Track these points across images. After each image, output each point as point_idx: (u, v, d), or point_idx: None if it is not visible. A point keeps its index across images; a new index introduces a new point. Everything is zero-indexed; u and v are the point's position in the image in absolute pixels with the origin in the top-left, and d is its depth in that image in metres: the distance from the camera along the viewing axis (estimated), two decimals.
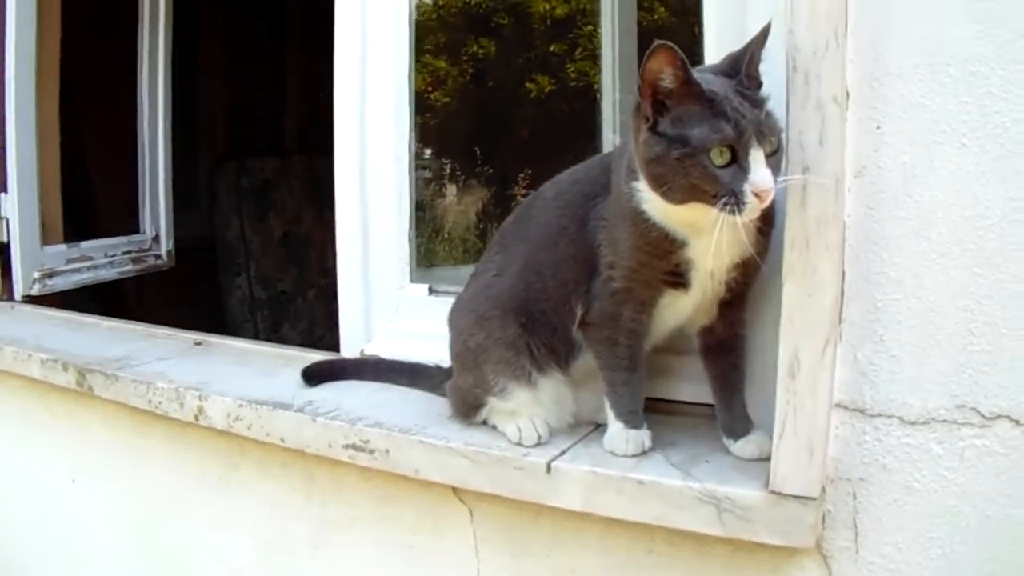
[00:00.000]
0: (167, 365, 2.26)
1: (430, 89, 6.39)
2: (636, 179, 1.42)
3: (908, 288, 1.32)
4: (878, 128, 1.33)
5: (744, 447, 1.53)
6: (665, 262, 1.47)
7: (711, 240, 1.32)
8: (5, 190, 3.09)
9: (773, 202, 1.34)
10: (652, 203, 1.42)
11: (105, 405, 2.28)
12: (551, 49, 5.80)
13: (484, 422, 1.74)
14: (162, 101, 3.79)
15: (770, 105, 1.36)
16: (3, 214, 3.09)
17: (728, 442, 1.56)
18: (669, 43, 1.28)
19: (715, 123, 1.30)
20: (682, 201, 1.34)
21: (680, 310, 1.55)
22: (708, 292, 1.50)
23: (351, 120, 2.15)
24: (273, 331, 5.35)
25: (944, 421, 1.31)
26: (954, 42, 1.27)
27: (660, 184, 1.35)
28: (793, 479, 1.35)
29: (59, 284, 3.25)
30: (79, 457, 2.49)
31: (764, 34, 1.36)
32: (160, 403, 2.08)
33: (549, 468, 1.54)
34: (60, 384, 2.35)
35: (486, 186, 6.27)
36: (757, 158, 1.29)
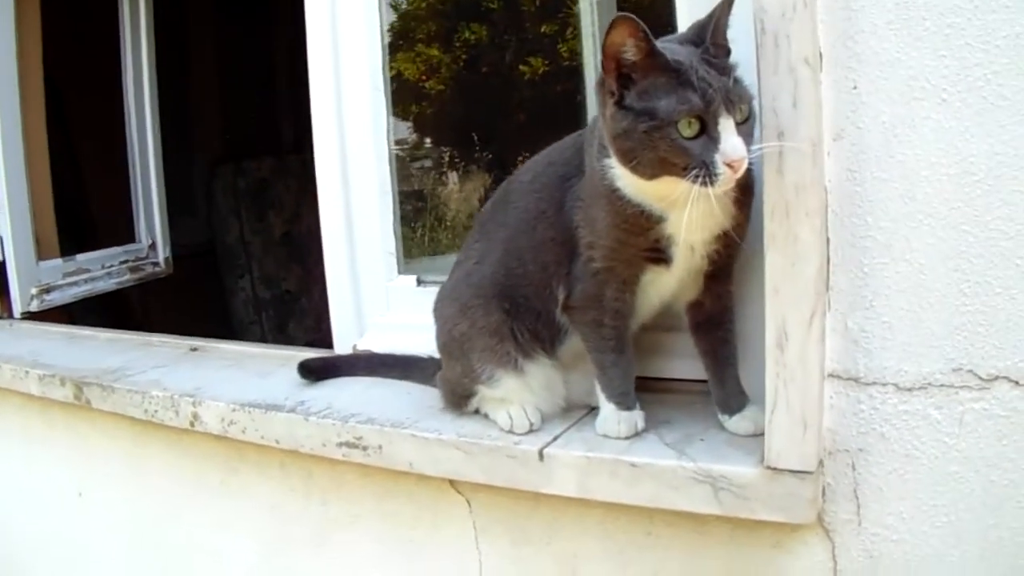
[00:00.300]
0: (162, 373, 2.25)
1: (424, 78, 6.36)
2: (608, 156, 1.40)
3: (896, 251, 1.29)
4: (855, 88, 1.29)
5: (739, 423, 1.51)
6: (643, 239, 1.44)
7: (688, 214, 1.29)
8: None
9: (750, 172, 1.33)
10: (625, 179, 1.39)
11: (104, 417, 2.27)
12: (542, 30, 5.76)
13: (476, 411, 1.72)
14: (148, 107, 3.76)
15: (739, 72, 1.33)
16: None
17: (723, 418, 1.54)
18: (629, 15, 1.26)
19: (682, 94, 1.27)
20: (652, 176, 1.32)
21: (664, 286, 1.52)
22: (691, 266, 1.48)
23: (328, 119, 2.13)
24: (280, 330, 5.35)
25: (941, 386, 1.29)
26: None
27: (629, 159, 1.33)
28: (788, 454, 1.33)
29: (57, 299, 3.23)
30: (81, 470, 2.48)
31: (728, 0, 1.33)
32: (156, 411, 2.07)
33: (541, 455, 1.52)
34: (58, 399, 2.34)
35: (486, 171, 6.25)
36: (727, 127, 1.27)
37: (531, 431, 1.61)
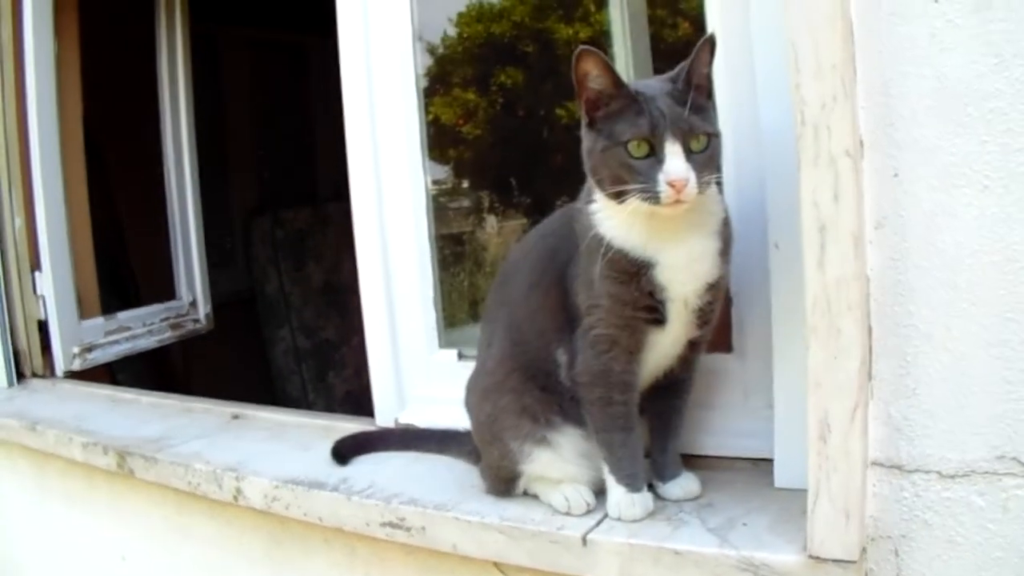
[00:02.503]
0: (204, 444, 2.26)
1: (461, 122, 6.38)
2: (591, 200, 1.53)
3: (938, 340, 1.28)
4: (896, 175, 1.29)
5: (671, 489, 1.60)
6: (636, 290, 1.48)
7: (676, 255, 1.45)
8: (40, 268, 3.11)
9: (729, 225, 1.51)
10: (605, 222, 1.50)
11: (148, 485, 2.28)
12: None
13: (524, 492, 1.72)
14: (188, 165, 3.81)
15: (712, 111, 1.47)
16: (39, 292, 3.12)
17: (657, 483, 1.62)
18: (591, 47, 1.41)
19: (634, 119, 1.41)
20: (612, 190, 1.44)
21: (662, 351, 1.56)
22: (684, 324, 1.53)
23: (368, 198, 2.14)
24: (319, 380, 5.36)
25: (984, 473, 1.27)
26: (969, 78, 1.23)
27: (595, 175, 1.48)
28: (831, 543, 1.31)
29: (99, 357, 3.27)
30: (125, 534, 2.50)
31: (707, 45, 1.44)
32: (199, 484, 2.08)
33: (585, 541, 1.51)
34: (101, 467, 2.36)
35: (524, 215, 6.25)
36: (673, 151, 1.39)
37: (588, 511, 1.61)
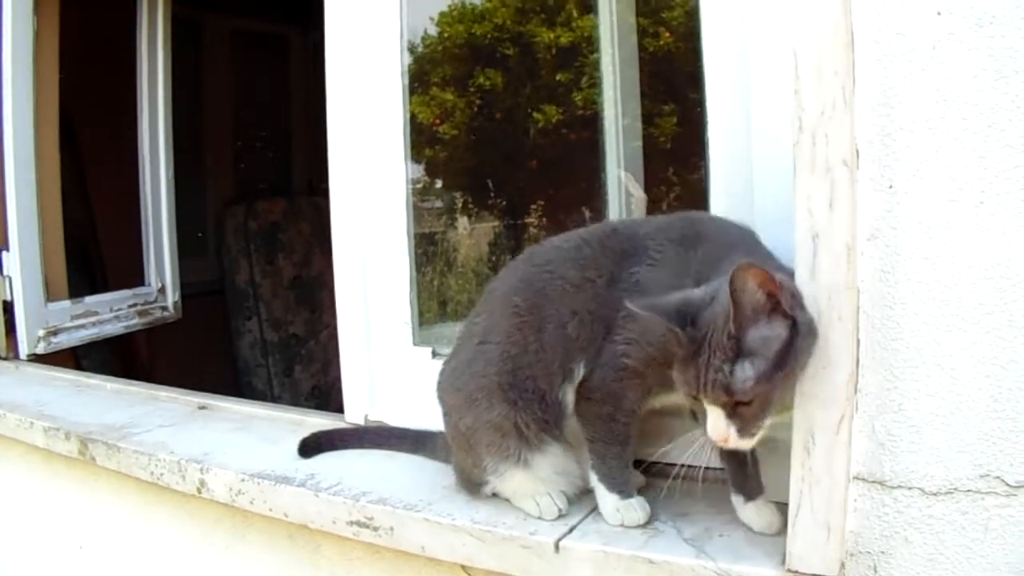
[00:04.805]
0: (169, 433, 2.22)
1: (437, 122, 6.36)
2: None
3: (928, 355, 1.26)
4: (891, 187, 1.27)
5: (753, 517, 1.50)
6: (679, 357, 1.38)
7: None
8: (7, 247, 3.06)
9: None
10: None
11: (110, 474, 2.24)
12: (557, 78, 5.76)
13: (494, 495, 1.69)
14: (163, 150, 3.77)
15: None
16: (5, 272, 3.07)
17: (736, 501, 1.52)
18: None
19: (689, 372, 1.32)
20: None
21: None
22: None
23: (348, 192, 2.12)
24: (286, 374, 5.32)
25: (967, 491, 1.25)
26: (969, 92, 1.21)
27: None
28: (810, 557, 1.31)
29: (64, 341, 3.22)
30: (84, 523, 2.45)
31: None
32: (162, 475, 2.05)
33: (557, 547, 1.49)
34: (63, 452, 2.32)
35: (497, 217, 6.24)
36: (712, 410, 1.31)
37: (560, 516, 1.59)
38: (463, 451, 1.68)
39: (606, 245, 1.59)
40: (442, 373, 1.75)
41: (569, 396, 1.59)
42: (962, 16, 1.20)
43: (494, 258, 6.16)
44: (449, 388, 1.72)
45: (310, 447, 2.01)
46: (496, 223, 6.21)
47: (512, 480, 1.62)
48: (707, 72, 1.67)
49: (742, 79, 1.57)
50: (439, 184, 6.48)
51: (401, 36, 2.08)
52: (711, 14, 1.65)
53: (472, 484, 1.70)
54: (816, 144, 1.24)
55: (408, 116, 2.11)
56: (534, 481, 1.62)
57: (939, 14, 1.22)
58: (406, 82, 2.10)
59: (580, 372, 1.56)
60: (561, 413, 1.60)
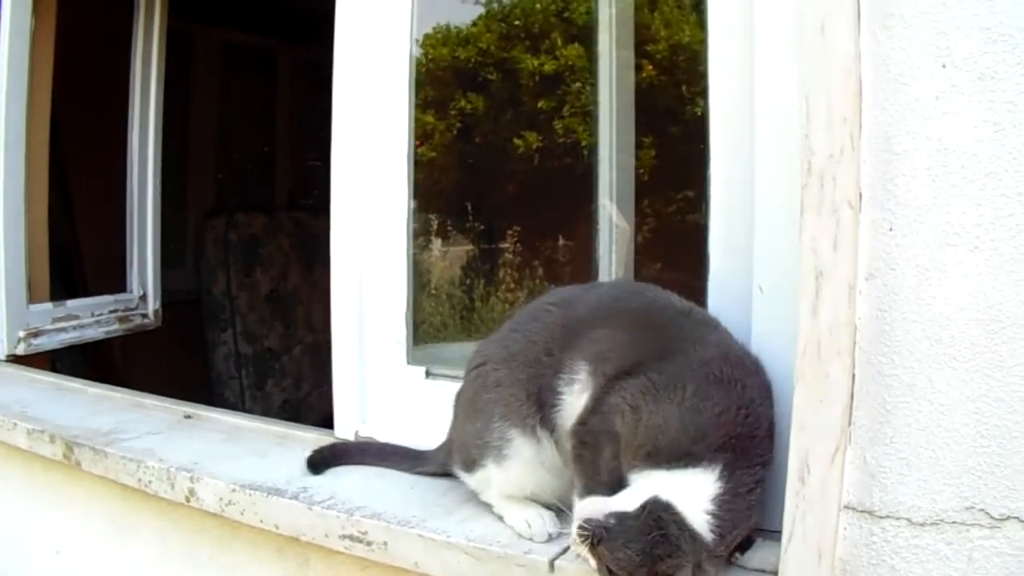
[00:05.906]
0: (156, 441, 2.22)
1: (417, 144, 6.35)
2: None
3: (919, 391, 1.31)
4: (891, 229, 1.31)
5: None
6: None
7: None
8: None
9: None
10: None
11: (92, 479, 2.23)
12: (539, 105, 5.80)
13: (489, 508, 1.71)
14: (152, 158, 3.78)
15: None
16: None
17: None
18: None
19: None
20: None
21: None
22: None
23: (349, 208, 2.14)
24: (258, 387, 5.30)
25: (953, 523, 1.30)
26: (968, 143, 1.26)
27: None
28: None
29: (45, 344, 3.22)
30: (61, 529, 2.45)
31: None
32: (150, 482, 2.05)
33: (552, 566, 1.51)
34: (46, 455, 2.31)
35: (473, 241, 6.26)
36: None
37: (549, 540, 1.59)
38: (470, 420, 1.70)
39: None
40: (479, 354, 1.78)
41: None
42: (966, 70, 1.25)
43: (468, 281, 6.17)
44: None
45: (318, 463, 2.00)
46: (470, 247, 6.23)
47: (516, 451, 1.63)
48: (712, 118, 1.68)
49: (746, 123, 1.60)
50: (413, 205, 6.47)
51: (410, 61, 2.13)
52: (718, 66, 1.67)
53: (469, 462, 1.71)
54: (824, 186, 1.29)
55: (413, 131, 2.17)
56: (538, 467, 1.63)
57: (944, 67, 1.27)
58: (413, 100, 2.15)
59: (584, 403, 1.56)
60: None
